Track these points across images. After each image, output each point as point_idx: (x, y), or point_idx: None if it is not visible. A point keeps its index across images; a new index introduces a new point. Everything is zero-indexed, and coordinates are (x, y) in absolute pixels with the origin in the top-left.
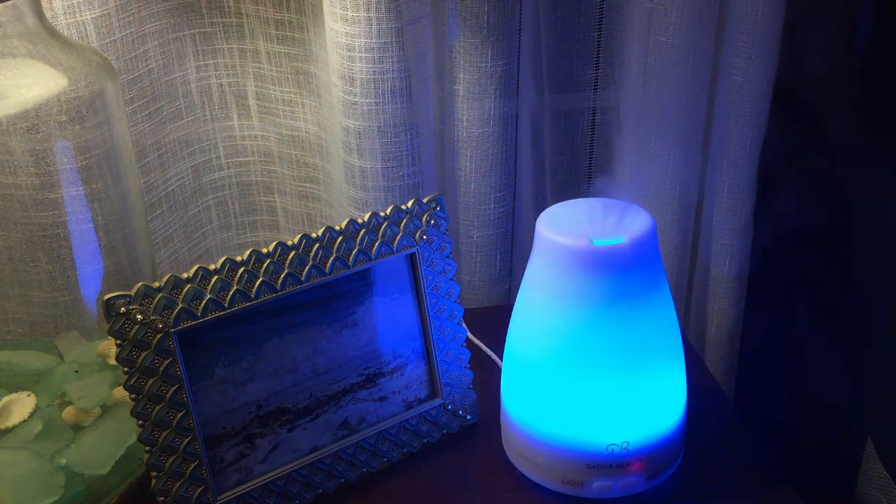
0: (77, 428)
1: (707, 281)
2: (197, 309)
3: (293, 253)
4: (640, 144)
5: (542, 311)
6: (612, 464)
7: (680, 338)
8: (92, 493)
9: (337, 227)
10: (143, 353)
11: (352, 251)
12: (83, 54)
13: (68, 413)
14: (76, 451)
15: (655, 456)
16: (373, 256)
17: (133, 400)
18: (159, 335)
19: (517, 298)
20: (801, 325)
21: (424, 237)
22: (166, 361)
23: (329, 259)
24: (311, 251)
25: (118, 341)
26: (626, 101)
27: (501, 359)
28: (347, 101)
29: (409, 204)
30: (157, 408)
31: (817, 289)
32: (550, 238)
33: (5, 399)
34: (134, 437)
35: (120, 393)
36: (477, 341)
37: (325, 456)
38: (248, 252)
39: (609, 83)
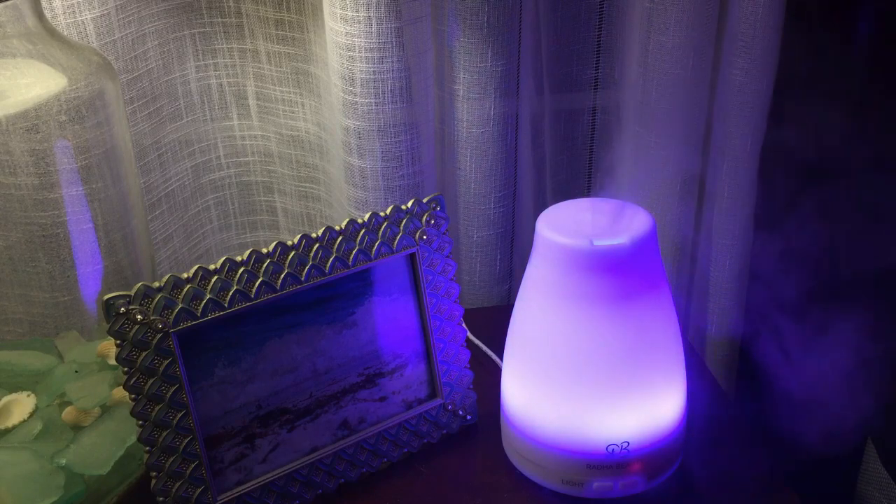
0: (77, 428)
1: (707, 281)
2: (197, 309)
3: (293, 253)
4: (640, 144)
5: (542, 311)
6: (612, 464)
7: (680, 338)
8: (92, 493)
9: (337, 227)
10: (143, 353)
11: (352, 251)
12: (83, 54)
13: (68, 413)
14: (76, 452)
15: (655, 456)
16: (373, 256)
17: (133, 400)
18: (159, 335)
19: (517, 298)
20: (802, 325)
21: (424, 237)
22: (166, 361)
23: (329, 259)
24: (310, 251)
25: (118, 341)
26: (626, 101)
27: (501, 359)
28: (347, 101)
29: (409, 204)
30: (157, 408)
31: (818, 288)
32: (550, 238)
33: (5, 399)
34: (134, 437)
35: (120, 393)
36: (477, 341)
37: (325, 456)
38: (247, 252)
39: (609, 83)
